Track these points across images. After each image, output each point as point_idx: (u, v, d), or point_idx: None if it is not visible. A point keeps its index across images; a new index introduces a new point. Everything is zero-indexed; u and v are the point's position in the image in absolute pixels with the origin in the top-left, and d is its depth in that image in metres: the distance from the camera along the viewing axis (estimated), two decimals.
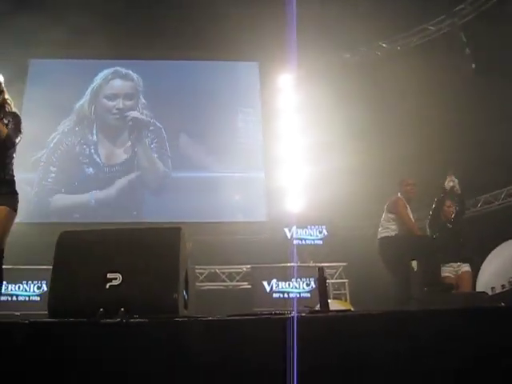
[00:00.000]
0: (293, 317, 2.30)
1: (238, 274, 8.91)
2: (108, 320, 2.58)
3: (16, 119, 3.86)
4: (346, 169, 8.92)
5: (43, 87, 9.25)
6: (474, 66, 9.54)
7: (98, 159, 9.21)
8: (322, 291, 3.07)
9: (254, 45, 9.87)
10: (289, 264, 8.24)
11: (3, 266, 3.78)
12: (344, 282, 8.55)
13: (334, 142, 9.32)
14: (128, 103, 9.35)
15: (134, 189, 9.24)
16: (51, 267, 3.12)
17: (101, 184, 9.13)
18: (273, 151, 10.13)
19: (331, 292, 8.17)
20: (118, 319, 2.58)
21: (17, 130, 3.82)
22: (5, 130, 3.71)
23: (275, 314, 2.48)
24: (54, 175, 9.07)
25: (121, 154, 9.30)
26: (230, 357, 2.34)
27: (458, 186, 6.57)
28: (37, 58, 10.02)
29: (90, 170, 9.11)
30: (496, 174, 8.67)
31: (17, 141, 3.83)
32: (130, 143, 9.32)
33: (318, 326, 2.43)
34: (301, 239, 8.95)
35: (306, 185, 9.72)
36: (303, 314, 2.50)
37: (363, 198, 8.73)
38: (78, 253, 3.08)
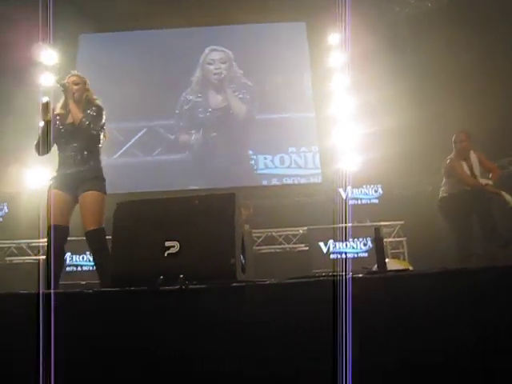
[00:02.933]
0: (348, 278, 2.30)
1: (294, 236, 8.92)
2: (168, 287, 2.64)
3: (98, 109, 4.47)
4: (400, 126, 8.75)
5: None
6: None
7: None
8: (379, 251, 3.04)
9: (300, 5, 9.74)
10: (345, 224, 8.20)
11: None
12: (402, 241, 8.45)
13: (387, 100, 9.13)
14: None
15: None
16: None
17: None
18: (325, 111, 10.04)
19: (389, 251, 8.10)
20: (178, 286, 2.64)
21: (97, 117, 4.43)
22: (79, 116, 4.33)
23: (331, 275, 2.49)
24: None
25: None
26: (288, 319, 2.36)
27: None
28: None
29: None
30: None
31: (98, 127, 4.45)
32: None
33: (375, 286, 2.42)
34: (356, 199, 8.90)
35: (359, 144, 9.61)
36: (360, 275, 2.49)
37: (419, 154, 8.58)
38: (135, 223, 3.15)
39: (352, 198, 8.86)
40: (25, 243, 8.77)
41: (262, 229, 8.77)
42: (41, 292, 2.35)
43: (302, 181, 9.79)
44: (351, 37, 9.98)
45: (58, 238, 4.18)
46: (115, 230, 3.15)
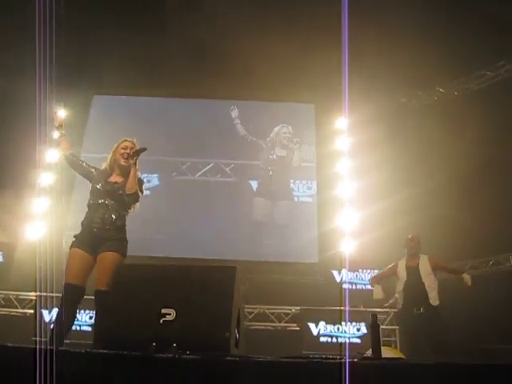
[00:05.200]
0: (345, 362, 2.29)
1: (286, 315, 8.82)
2: (160, 355, 2.61)
3: (141, 184, 4.60)
4: (399, 211, 8.87)
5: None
6: None
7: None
8: (375, 338, 3.03)
9: (311, 87, 10.06)
10: (338, 308, 8.12)
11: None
12: (394, 329, 8.34)
13: (388, 185, 9.27)
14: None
15: None
16: None
17: None
18: (326, 192, 10.14)
19: (381, 338, 7.97)
20: (171, 355, 2.61)
21: (141, 192, 4.55)
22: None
23: (326, 358, 2.47)
24: None
25: None
26: None
27: None
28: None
29: None
30: None
31: (139, 201, 4.54)
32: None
33: (370, 372, 2.41)
34: (351, 283, 8.87)
35: (359, 227, 9.64)
36: (355, 360, 2.47)
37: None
38: (135, 286, 3.16)
39: (347, 282, 8.82)
40: (13, 295, 8.67)
41: (254, 304, 8.69)
42: (37, 347, 2.32)
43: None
44: (356, 123, 10.26)
45: (72, 297, 4.13)
46: (114, 292, 3.15)
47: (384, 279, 6.99)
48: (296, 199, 10.03)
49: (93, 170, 4.66)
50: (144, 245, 8.98)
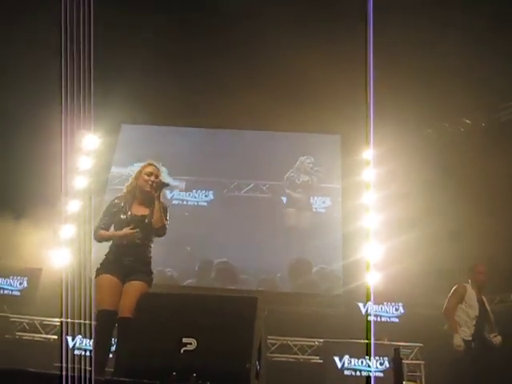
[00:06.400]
0: None
1: (309, 347, 8.68)
2: None
3: (166, 213, 4.51)
4: (425, 243, 8.79)
5: None
6: None
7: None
8: (398, 373, 2.97)
9: (337, 119, 10.11)
10: (363, 341, 7.99)
11: None
12: (419, 364, 8.16)
13: (413, 217, 9.20)
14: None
15: None
16: None
17: None
18: (351, 224, 10.11)
19: (405, 373, 7.80)
20: None
21: (166, 221, 4.46)
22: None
23: None
24: None
25: None
26: None
27: None
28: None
29: None
30: None
31: (166, 233, 4.50)
32: None
33: None
34: (376, 316, 8.74)
35: (384, 259, 9.54)
36: None
37: (443, 273, 8.52)
38: (157, 315, 3.16)
39: (372, 315, 8.69)
40: (38, 320, 8.72)
41: (277, 335, 8.59)
42: (63, 374, 2.33)
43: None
44: (382, 154, 10.23)
45: (107, 323, 4.10)
46: (136, 320, 3.16)
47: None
48: (314, 210, 11.55)
49: (115, 210, 4.52)
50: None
